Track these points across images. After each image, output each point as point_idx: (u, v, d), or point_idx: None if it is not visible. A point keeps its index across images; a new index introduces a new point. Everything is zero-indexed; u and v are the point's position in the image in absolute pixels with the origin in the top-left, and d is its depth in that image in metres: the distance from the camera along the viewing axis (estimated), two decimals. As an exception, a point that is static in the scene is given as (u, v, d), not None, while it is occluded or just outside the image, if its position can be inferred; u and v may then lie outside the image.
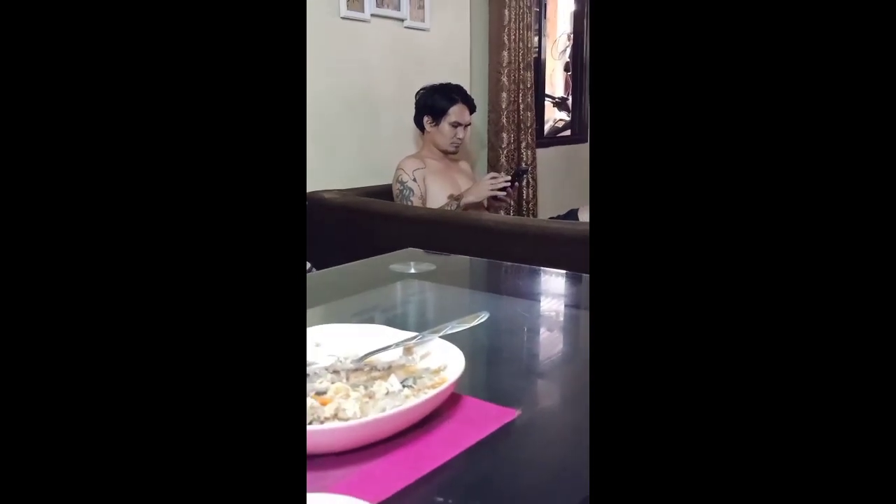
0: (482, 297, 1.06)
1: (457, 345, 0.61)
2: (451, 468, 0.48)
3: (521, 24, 2.93)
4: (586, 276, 1.04)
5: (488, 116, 2.98)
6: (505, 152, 2.96)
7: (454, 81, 2.47)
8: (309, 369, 0.60)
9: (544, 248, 1.72)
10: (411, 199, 2.25)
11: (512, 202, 2.79)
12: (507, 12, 2.87)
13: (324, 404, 0.52)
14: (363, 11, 2.38)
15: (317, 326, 0.68)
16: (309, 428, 0.48)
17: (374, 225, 2.06)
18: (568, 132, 3.89)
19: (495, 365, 0.73)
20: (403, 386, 0.56)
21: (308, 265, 1.91)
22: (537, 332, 0.86)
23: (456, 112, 2.36)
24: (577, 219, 2.46)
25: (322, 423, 0.50)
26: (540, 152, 3.23)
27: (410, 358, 0.62)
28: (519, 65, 2.96)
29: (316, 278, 1.10)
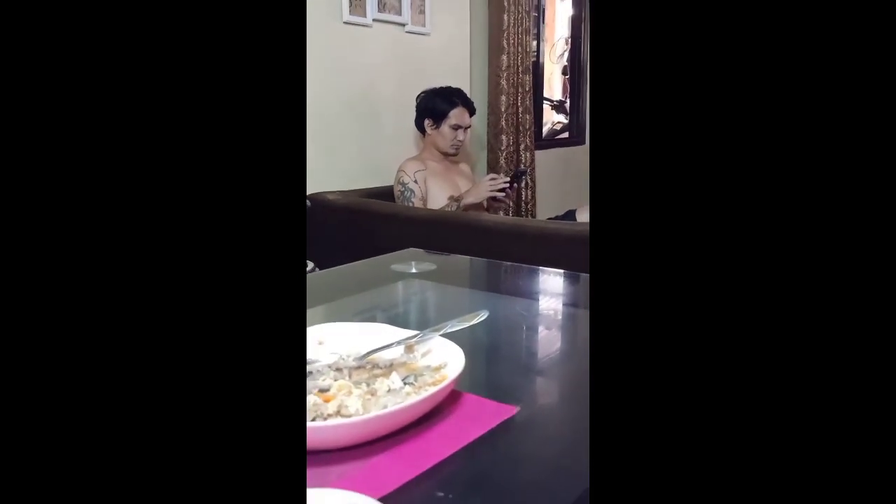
0: (482, 296, 1.05)
1: (457, 343, 0.61)
2: (452, 464, 0.48)
3: (520, 29, 2.93)
4: (584, 276, 1.04)
5: (488, 119, 2.98)
6: (504, 154, 2.96)
7: (454, 85, 2.47)
8: (312, 367, 0.60)
9: (543, 248, 1.72)
10: (412, 200, 2.25)
11: (511, 203, 2.79)
12: (506, 17, 2.87)
13: (327, 401, 0.52)
14: (365, 16, 2.38)
15: (320, 325, 0.67)
16: (312, 424, 0.48)
17: (376, 225, 2.06)
18: (566, 134, 3.89)
19: (495, 363, 0.73)
20: (405, 383, 0.56)
21: (311, 265, 1.91)
22: (536, 331, 0.86)
23: (456, 115, 2.36)
24: (574, 219, 2.46)
25: (325, 419, 0.50)
26: (538, 154, 3.22)
27: (411, 356, 0.62)
28: (518, 68, 2.96)
29: (319, 278, 1.09)
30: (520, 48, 2.94)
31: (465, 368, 0.56)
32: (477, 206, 2.24)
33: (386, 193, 2.33)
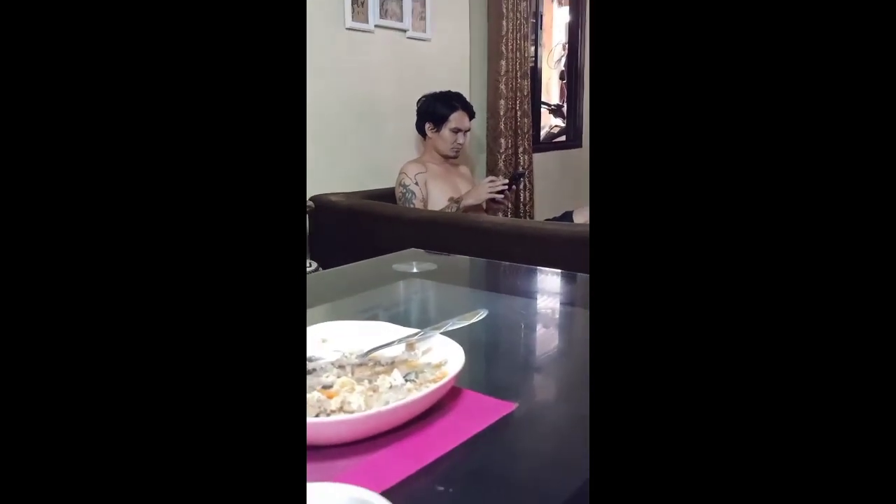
0: (481, 296, 1.05)
1: (457, 341, 0.61)
2: (452, 458, 0.48)
3: (519, 35, 2.93)
4: (581, 275, 1.04)
5: (487, 122, 2.97)
6: (503, 157, 2.96)
7: (454, 89, 2.47)
8: (316, 364, 0.60)
9: (540, 248, 1.72)
10: (413, 201, 2.25)
11: (509, 204, 2.78)
12: (504, 23, 2.86)
13: (330, 398, 0.52)
14: (367, 22, 2.39)
15: (323, 323, 0.68)
16: (316, 420, 0.48)
17: (378, 226, 2.06)
18: (563, 138, 3.89)
19: (494, 360, 0.73)
20: (406, 380, 0.56)
21: (315, 265, 1.91)
22: (534, 329, 0.86)
23: (456, 118, 2.36)
24: (571, 220, 2.46)
25: (328, 415, 0.50)
26: (536, 157, 3.22)
27: (413, 353, 0.62)
28: (516, 73, 2.96)
29: (322, 277, 1.10)
30: (518, 53, 2.94)
31: (465, 366, 0.56)
32: (476, 208, 2.24)
33: (388, 195, 2.33)
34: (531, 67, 3.18)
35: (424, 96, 2.41)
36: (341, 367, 0.60)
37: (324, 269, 1.12)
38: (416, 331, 0.64)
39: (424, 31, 2.64)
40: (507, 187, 2.23)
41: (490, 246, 1.74)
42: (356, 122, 2.41)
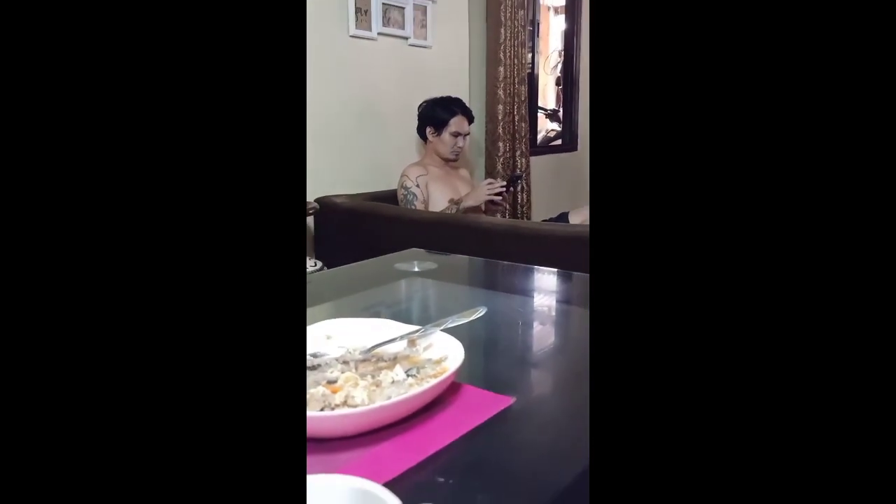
0: (480, 294, 1.05)
1: (457, 337, 0.61)
2: (452, 451, 0.48)
3: (516, 42, 2.93)
4: (577, 274, 1.04)
5: (486, 127, 2.97)
6: (501, 160, 2.96)
7: (454, 94, 2.47)
8: (320, 360, 0.60)
9: (538, 248, 1.72)
10: (415, 203, 2.25)
11: (507, 206, 2.78)
12: (502, 31, 2.86)
13: (334, 392, 0.52)
14: (370, 30, 2.39)
15: (327, 321, 0.68)
16: (321, 414, 0.48)
17: (380, 227, 2.06)
18: (559, 141, 3.89)
19: (492, 356, 0.73)
20: (408, 375, 0.56)
21: (319, 264, 1.91)
22: (531, 326, 0.86)
23: (456, 123, 2.36)
24: (567, 221, 2.46)
25: (332, 409, 0.50)
26: (533, 160, 3.22)
27: (414, 349, 0.62)
28: (514, 79, 2.96)
29: (326, 276, 1.09)
30: (516, 60, 2.94)
31: (465, 361, 0.56)
32: (475, 209, 2.24)
33: (390, 197, 2.33)
34: (528, 74, 3.18)
35: (425, 101, 2.41)
36: (345, 362, 0.60)
37: (328, 268, 1.13)
38: (417, 328, 0.64)
39: (425, 38, 2.64)
40: (505, 189, 2.23)
41: (489, 246, 1.74)
42: (359, 126, 2.41)
